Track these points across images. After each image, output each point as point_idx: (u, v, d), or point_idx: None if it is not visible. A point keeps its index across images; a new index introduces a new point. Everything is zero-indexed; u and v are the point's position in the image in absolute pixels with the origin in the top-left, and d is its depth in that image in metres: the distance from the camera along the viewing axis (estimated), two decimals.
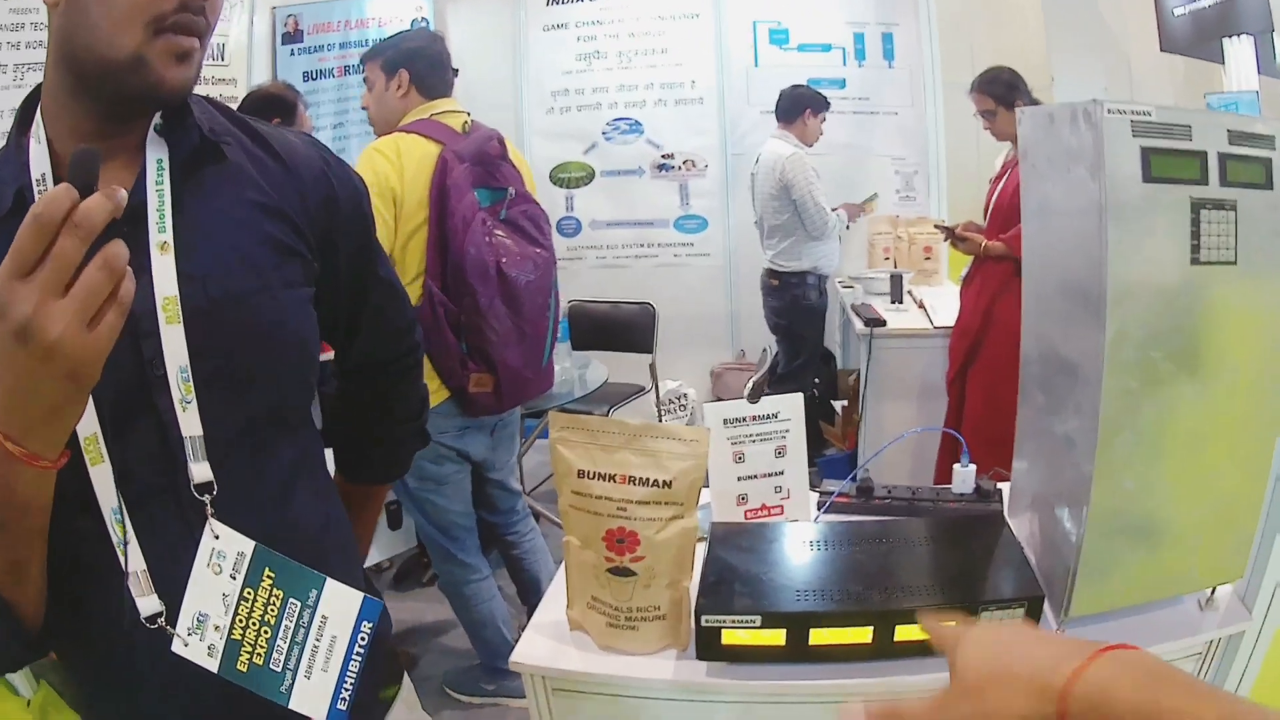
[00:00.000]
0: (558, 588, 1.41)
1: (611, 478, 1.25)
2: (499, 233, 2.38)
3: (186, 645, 0.92)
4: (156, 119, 0.93)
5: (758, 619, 1.25)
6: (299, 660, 0.95)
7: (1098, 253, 1.26)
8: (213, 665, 0.92)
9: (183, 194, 0.93)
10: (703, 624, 1.25)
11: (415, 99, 2.50)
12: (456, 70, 2.61)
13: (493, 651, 2.74)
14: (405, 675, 1.29)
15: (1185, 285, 1.30)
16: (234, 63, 4.06)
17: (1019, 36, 5.05)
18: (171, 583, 0.92)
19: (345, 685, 0.97)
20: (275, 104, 2.85)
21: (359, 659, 0.98)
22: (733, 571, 1.33)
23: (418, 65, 2.52)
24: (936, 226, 3.95)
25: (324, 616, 0.97)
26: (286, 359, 1.00)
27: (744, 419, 1.56)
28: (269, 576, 0.94)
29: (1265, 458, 1.42)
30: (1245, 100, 3.61)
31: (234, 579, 0.94)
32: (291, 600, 0.96)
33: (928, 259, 4.74)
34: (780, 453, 1.58)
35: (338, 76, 4.31)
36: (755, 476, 1.59)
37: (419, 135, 2.38)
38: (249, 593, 0.94)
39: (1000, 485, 1.71)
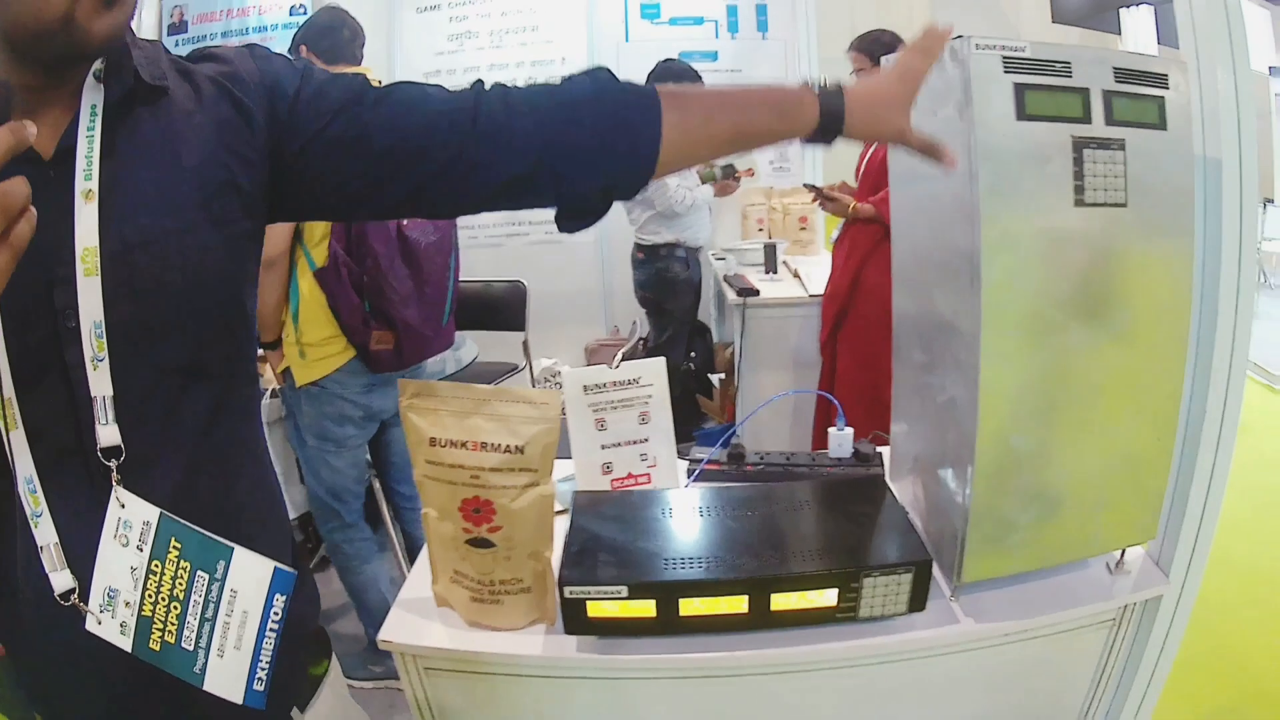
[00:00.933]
0: (424, 562, 1.36)
1: (464, 444, 1.20)
2: None
3: (100, 623, 0.88)
4: (97, 65, 0.90)
5: (624, 589, 1.20)
6: (210, 638, 0.91)
7: (969, 196, 1.20)
8: (126, 644, 0.88)
9: (116, 139, 0.89)
10: (566, 596, 1.20)
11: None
12: (352, 33, 2.63)
13: (378, 623, 2.72)
14: (333, 654, 1.25)
15: (1070, 229, 1.25)
16: None
17: (904, 11, 5.02)
18: (83, 556, 0.88)
19: (260, 664, 0.93)
20: None
21: (274, 635, 0.93)
22: (597, 541, 1.28)
23: (311, 37, 2.61)
24: (805, 186, 3.90)
25: (234, 590, 0.92)
26: (203, 304, 0.94)
27: (604, 385, 1.51)
28: (175, 547, 0.90)
29: (1171, 409, 1.37)
30: None
31: (141, 551, 0.89)
32: (200, 573, 0.91)
33: (803, 229, 4.68)
34: (644, 419, 1.53)
35: None
36: (619, 444, 1.55)
37: None
38: (156, 565, 0.89)
39: (880, 449, 1.65)
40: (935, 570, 1.33)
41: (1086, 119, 1.24)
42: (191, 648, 0.90)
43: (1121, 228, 1.27)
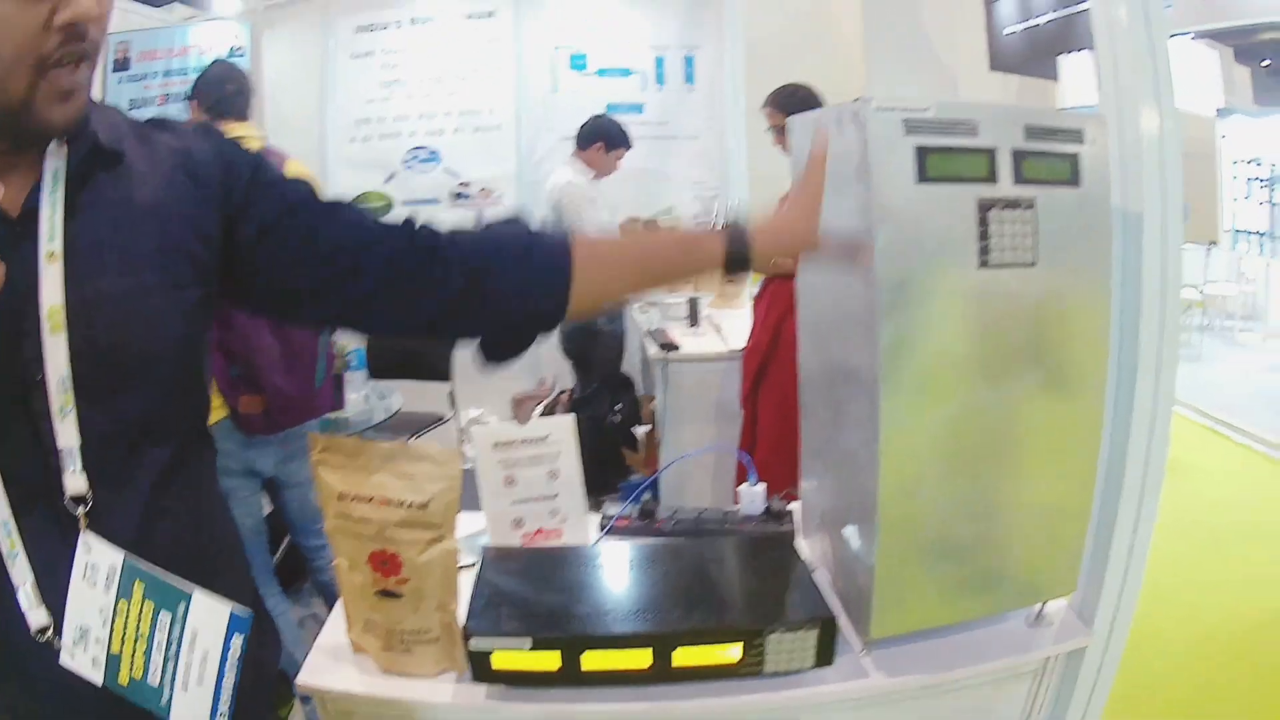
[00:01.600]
0: (341, 609, 1.40)
1: (370, 500, 1.24)
2: None
3: (73, 658, 0.92)
4: None
5: (528, 641, 1.22)
6: (174, 674, 0.94)
7: (868, 259, 1.20)
8: (98, 678, 0.92)
9: (79, 201, 0.93)
10: (471, 647, 1.23)
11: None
12: (238, 87, 2.66)
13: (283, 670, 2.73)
14: (297, 697, 1.29)
15: (974, 290, 1.25)
16: None
17: (838, 59, 4.99)
18: (56, 594, 0.92)
19: (222, 700, 0.95)
20: None
21: (234, 673, 0.96)
22: (503, 594, 1.31)
23: (200, 91, 2.64)
24: None
25: (194, 630, 0.95)
26: (159, 364, 0.98)
27: (513, 441, 1.54)
28: (139, 587, 0.94)
29: (1088, 465, 1.38)
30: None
31: (108, 592, 0.93)
32: (163, 612, 0.94)
33: (729, 282, 4.56)
34: (554, 475, 1.56)
35: (159, 104, 4.39)
36: (529, 500, 1.57)
37: None
38: (123, 605, 0.93)
39: (793, 505, 1.66)
40: (847, 624, 1.35)
41: (993, 179, 1.25)
42: (157, 683, 0.93)
43: (1030, 287, 1.27)
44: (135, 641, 0.93)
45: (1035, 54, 5.74)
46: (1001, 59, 5.83)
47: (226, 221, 1.02)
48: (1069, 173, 1.29)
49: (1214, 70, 8.69)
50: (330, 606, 2.83)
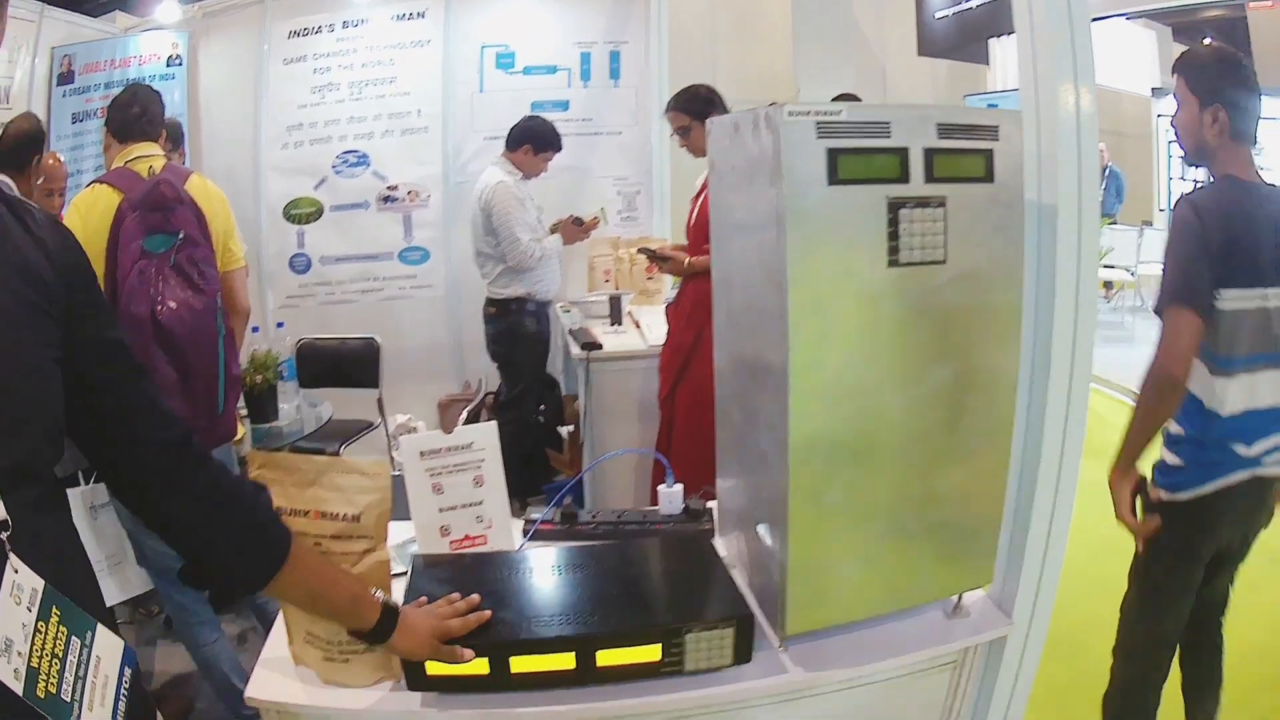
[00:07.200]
0: (282, 623, 1.42)
1: (306, 513, 1.26)
2: (171, 280, 2.43)
3: None
4: None
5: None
6: (83, 693, 1.00)
7: (778, 262, 1.22)
8: (18, 688, 0.95)
9: None
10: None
11: (115, 147, 2.60)
12: (142, 109, 2.65)
13: (224, 696, 2.73)
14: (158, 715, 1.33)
15: (883, 288, 1.27)
16: (16, 105, 4.32)
17: (765, 48, 5.05)
18: None
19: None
20: (35, 141, 2.96)
21: (125, 699, 1.05)
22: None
23: (109, 114, 2.64)
24: (640, 251, 3.94)
25: (98, 656, 1.03)
26: (34, 411, 1.03)
27: (439, 450, 1.57)
28: (55, 613, 1.00)
29: (1000, 459, 1.40)
30: (1008, 98, 3.60)
31: (30, 611, 0.98)
32: (74, 638, 1.01)
33: (650, 279, 4.76)
34: (478, 482, 1.59)
35: (100, 117, 4.29)
36: (455, 507, 1.59)
37: (109, 185, 2.44)
38: (42, 625, 0.98)
39: (710, 504, 1.69)
40: (764, 621, 1.37)
41: (904, 179, 1.26)
42: (69, 700, 0.98)
43: (939, 284, 1.29)
44: (51, 659, 0.98)
45: (966, 38, 5.76)
46: (931, 44, 5.87)
47: (69, 304, 1.07)
48: (983, 169, 1.31)
49: (1150, 50, 8.78)
50: (265, 625, 2.80)
